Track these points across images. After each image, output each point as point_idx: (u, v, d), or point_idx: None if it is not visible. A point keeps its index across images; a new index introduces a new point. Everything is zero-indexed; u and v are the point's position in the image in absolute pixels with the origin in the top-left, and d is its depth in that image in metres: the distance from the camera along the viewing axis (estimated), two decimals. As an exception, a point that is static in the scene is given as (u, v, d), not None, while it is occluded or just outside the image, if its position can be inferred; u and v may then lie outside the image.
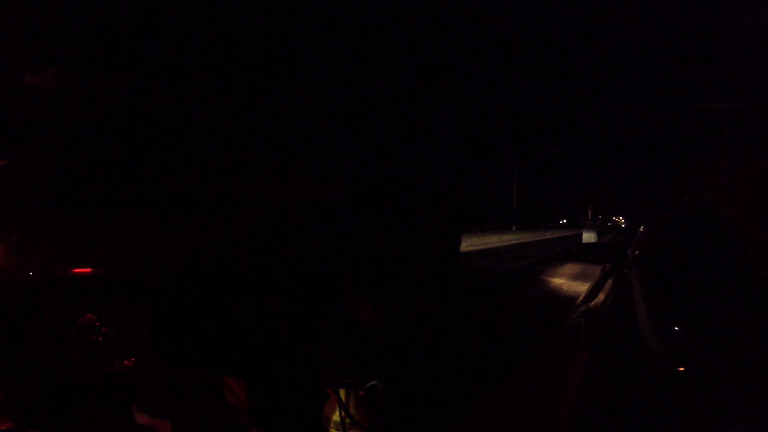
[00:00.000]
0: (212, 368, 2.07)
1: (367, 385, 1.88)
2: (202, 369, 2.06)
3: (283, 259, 3.23)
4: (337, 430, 1.86)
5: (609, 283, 2.06)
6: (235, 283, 2.85)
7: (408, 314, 3.29)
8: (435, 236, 5.15)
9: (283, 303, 2.83)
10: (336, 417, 1.86)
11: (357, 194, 4.11)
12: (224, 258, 3.01)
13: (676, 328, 1.05)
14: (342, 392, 1.86)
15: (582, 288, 5.86)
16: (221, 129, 3.52)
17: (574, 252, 3.05)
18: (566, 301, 6.08)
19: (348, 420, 1.83)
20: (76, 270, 2.66)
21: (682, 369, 0.88)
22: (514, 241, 20.30)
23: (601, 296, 1.85)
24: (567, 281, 8.02)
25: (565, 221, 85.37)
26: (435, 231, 5.15)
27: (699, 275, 1.22)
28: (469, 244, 15.74)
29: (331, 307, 2.98)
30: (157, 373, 2.20)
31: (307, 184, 3.75)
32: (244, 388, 1.96)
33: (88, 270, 2.68)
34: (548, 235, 28.66)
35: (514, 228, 33.71)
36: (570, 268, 9.66)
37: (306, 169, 3.86)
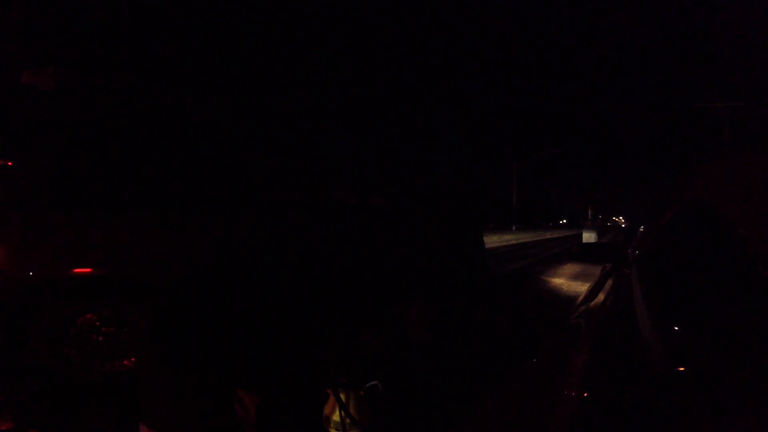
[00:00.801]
0: (218, 374, 2.06)
1: (367, 385, 1.88)
2: (207, 373, 2.05)
3: (284, 259, 3.22)
4: (337, 430, 1.87)
5: (609, 283, 2.06)
6: (237, 283, 2.84)
7: (411, 341, 3.29)
8: (438, 240, 5.13)
9: (285, 303, 2.83)
10: (336, 417, 1.87)
11: (359, 195, 4.11)
12: (225, 258, 3.01)
13: (676, 328, 1.05)
14: (342, 392, 1.87)
15: (582, 288, 5.86)
16: (221, 129, 3.52)
17: (574, 252, 3.04)
18: (566, 301, 6.08)
19: (348, 420, 1.83)
20: (76, 270, 2.66)
21: (682, 369, 0.88)
22: (514, 241, 20.28)
23: (601, 296, 1.85)
24: (567, 281, 8.01)
25: (565, 221, 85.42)
26: (437, 235, 5.14)
27: (699, 275, 1.21)
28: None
29: (331, 307, 2.98)
30: (159, 376, 2.20)
31: (310, 185, 3.75)
32: (256, 403, 1.95)
33: (88, 270, 2.68)
34: (548, 235, 28.64)
35: (514, 228, 33.70)
36: (570, 268, 9.66)
37: (307, 169, 3.86)
